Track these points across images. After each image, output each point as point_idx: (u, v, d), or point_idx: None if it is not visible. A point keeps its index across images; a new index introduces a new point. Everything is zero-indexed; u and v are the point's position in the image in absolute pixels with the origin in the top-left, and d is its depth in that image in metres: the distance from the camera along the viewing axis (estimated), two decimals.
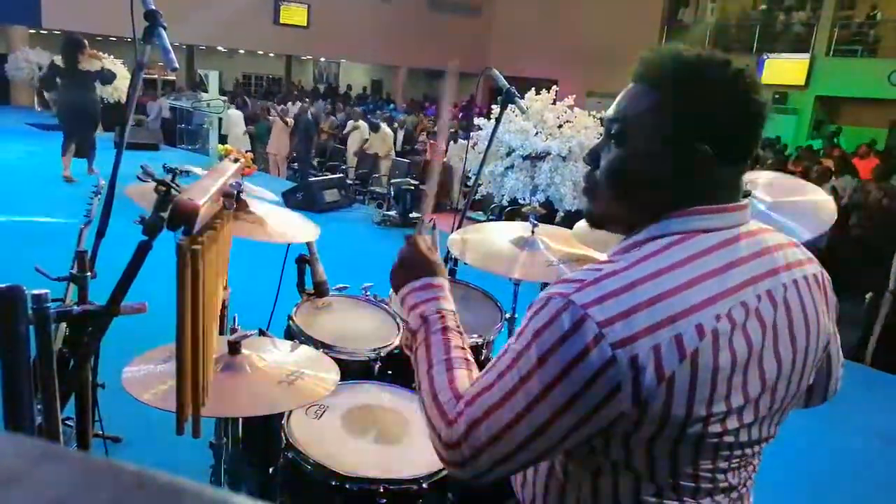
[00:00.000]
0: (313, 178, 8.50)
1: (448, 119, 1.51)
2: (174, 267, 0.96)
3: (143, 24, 1.47)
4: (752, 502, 0.97)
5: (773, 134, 12.58)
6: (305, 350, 1.70)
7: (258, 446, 1.90)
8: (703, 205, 0.87)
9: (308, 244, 2.08)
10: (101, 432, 2.14)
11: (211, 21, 15.10)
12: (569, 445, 0.84)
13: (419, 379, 0.98)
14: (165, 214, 0.96)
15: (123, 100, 8.65)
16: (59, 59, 7.04)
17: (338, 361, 1.66)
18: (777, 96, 15.54)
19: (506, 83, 2.56)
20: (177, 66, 1.50)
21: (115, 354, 1.60)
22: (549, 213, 6.58)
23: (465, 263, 2.07)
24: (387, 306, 2.20)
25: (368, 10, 18.27)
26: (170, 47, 1.46)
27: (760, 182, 1.85)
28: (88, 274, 1.36)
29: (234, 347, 1.49)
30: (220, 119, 11.20)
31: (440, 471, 1.46)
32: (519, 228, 2.14)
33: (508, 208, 7.09)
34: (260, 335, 1.72)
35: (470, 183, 6.24)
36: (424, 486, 1.44)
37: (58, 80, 7.03)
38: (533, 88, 6.65)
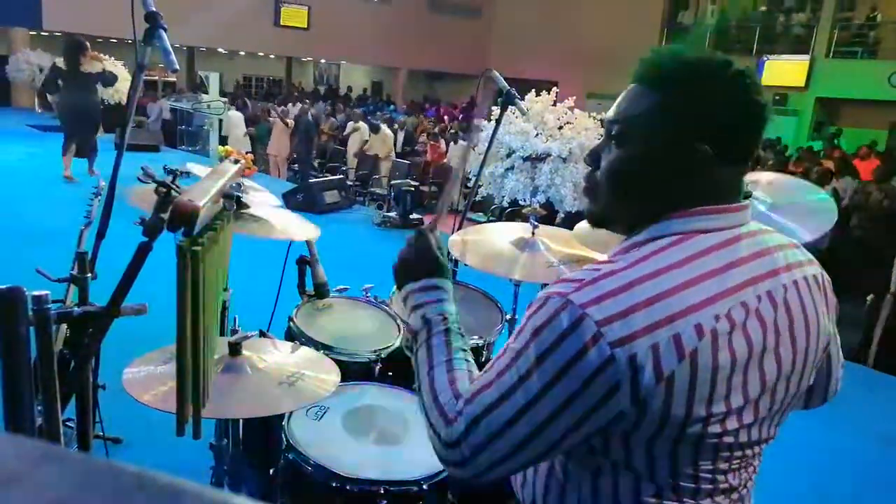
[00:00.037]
0: (313, 180, 8.52)
1: (479, 122, 1.49)
2: (174, 268, 0.96)
3: (144, 25, 1.47)
4: None
5: (773, 135, 12.58)
6: (306, 351, 1.70)
7: (259, 447, 1.90)
8: (704, 205, 0.88)
9: (308, 245, 2.08)
10: (101, 433, 2.14)
11: (211, 23, 15.13)
12: (568, 445, 0.84)
13: (420, 380, 0.98)
14: (166, 216, 0.95)
15: (124, 101, 8.62)
16: (60, 62, 7.07)
17: (338, 363, 1.66)
18: (777, 98, 15.54)
19: (506, 85, 2.56)
20: (177, 67, 1.49)
21: (115, 356, 1.60)
22: (549, 215, 6.59)
23: (465, 265, 2.07)
24: (387, 308, 2.20)
25: (369, 12, 18.32)
26: (170, 49, 1.46)
27: (761, 182, 1.85)
28: (89, 275, 1.36)
29: (234, 349, 1.49)
30: (221, 120, 11.20)
31: (441, 472, 1.45)
32: (519, 230, 2.14)
33: (509, 209, 7.10)
34: (260, 336, 1.72)
35: (470, 184, 6.23)
36: (425, 487, 1.44)
37: (59, 82, 7.05)
38: (533, 90, 6.67)
